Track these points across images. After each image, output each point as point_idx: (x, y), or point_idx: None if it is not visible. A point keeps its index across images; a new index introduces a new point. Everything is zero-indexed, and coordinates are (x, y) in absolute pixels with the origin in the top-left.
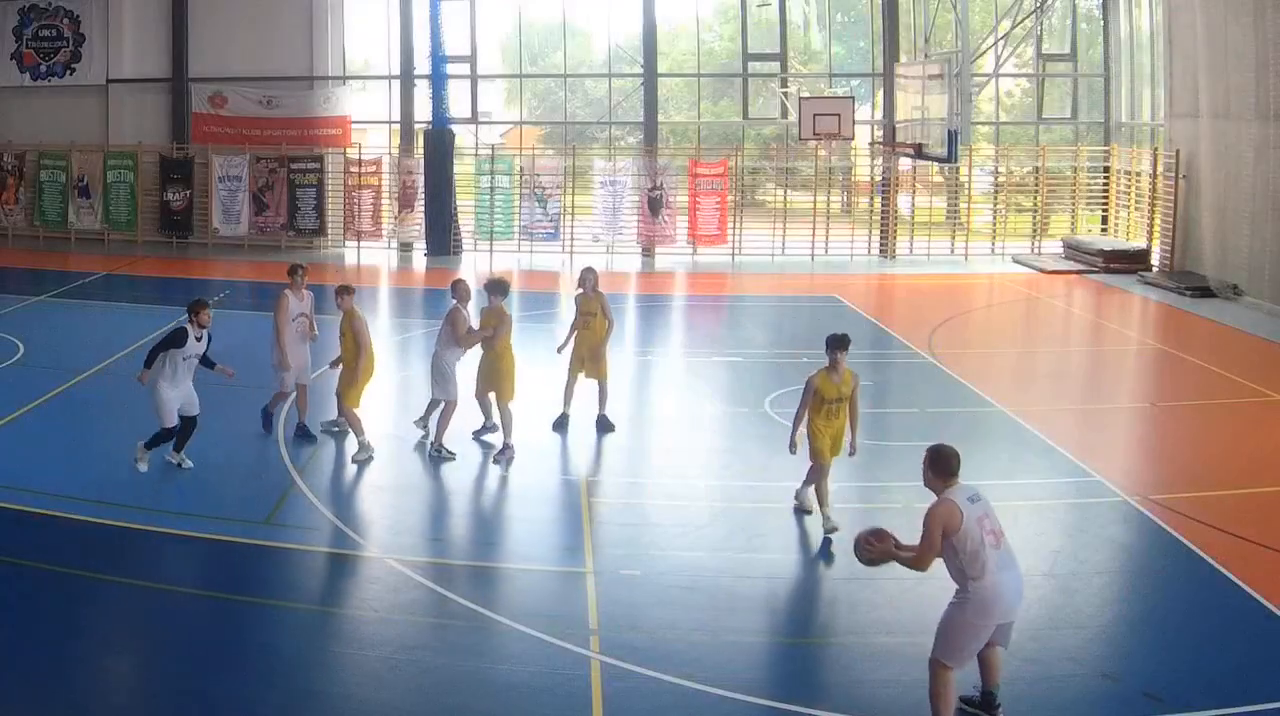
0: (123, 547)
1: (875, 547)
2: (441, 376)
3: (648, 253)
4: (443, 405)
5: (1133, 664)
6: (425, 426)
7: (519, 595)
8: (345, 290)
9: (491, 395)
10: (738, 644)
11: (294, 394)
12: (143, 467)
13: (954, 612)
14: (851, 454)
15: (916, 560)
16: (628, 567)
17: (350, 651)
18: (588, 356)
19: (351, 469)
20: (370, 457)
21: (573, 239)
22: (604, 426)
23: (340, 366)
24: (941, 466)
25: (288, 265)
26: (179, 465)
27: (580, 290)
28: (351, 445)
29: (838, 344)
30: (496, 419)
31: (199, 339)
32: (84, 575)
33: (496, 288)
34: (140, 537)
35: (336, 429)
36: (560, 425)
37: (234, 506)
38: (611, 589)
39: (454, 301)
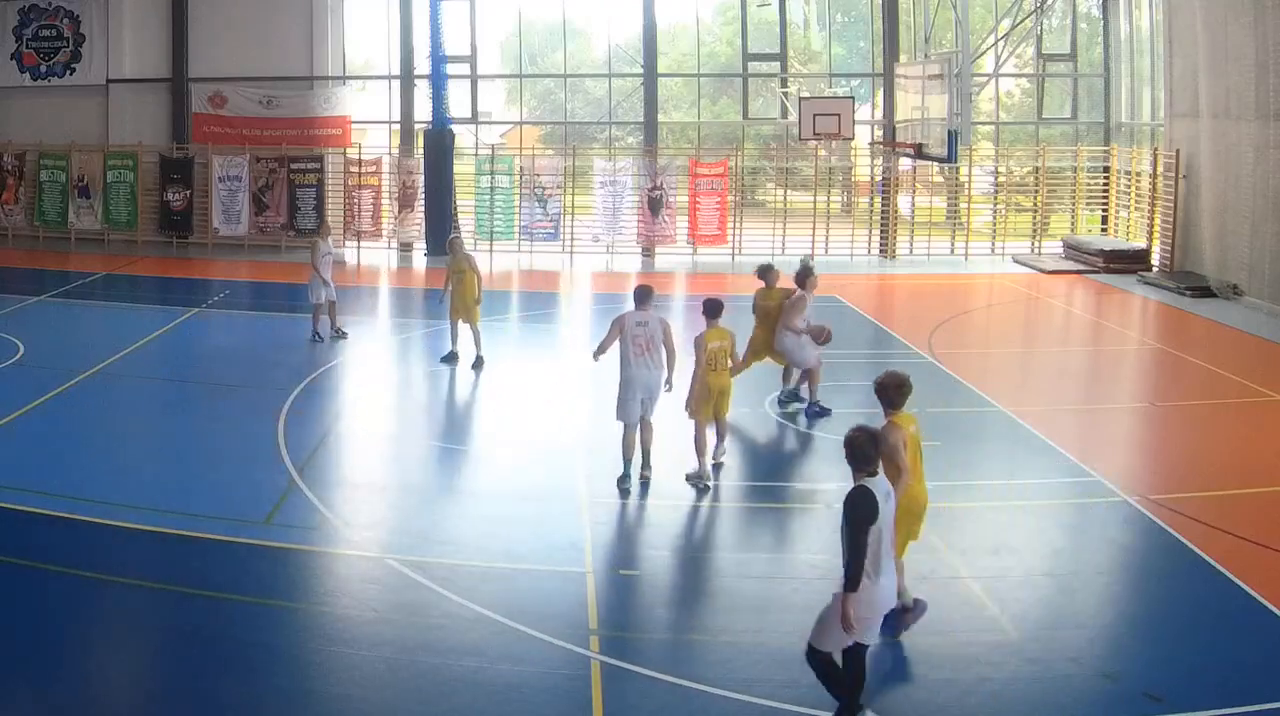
0: (123, 547)
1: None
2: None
3: (648, 252)
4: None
5: (1133, 664)
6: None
7: (519, 595)
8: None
9: None
10: (738, 644)
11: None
12: None
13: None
14: None
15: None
16: (628, 567)
17: (350, 651)
18: (762, 350)
19: (352, 469)
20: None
21: (573, 239)
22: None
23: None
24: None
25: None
26: None
27: (762, 286)
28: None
29: None
30: None
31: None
32: (84, 575)
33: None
34: (140, 537)
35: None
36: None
37: (234, 506)
38: (611, 589)
39: (799, 291)
